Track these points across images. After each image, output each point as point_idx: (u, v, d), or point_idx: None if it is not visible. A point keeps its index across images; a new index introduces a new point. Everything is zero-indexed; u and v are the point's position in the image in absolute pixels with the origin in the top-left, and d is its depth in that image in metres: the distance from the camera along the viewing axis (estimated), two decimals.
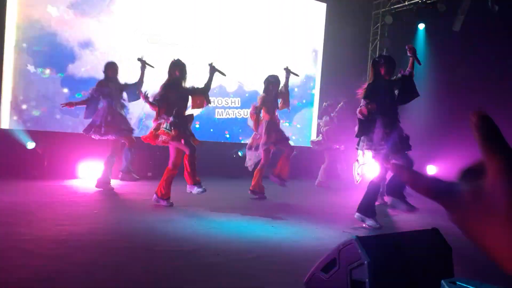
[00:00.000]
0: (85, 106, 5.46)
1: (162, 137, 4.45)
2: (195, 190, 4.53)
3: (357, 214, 4.22)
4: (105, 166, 5.49)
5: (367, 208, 4.15)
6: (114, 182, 5.64)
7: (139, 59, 5.54)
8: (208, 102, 4.88)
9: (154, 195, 4.66)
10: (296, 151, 8.37)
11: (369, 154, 4.18)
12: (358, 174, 4.41)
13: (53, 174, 6.45)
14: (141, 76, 5.55)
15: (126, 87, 5.56)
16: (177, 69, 4.61)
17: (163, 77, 4.74)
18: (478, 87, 8.40)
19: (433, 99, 8.72)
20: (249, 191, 5.68)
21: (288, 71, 5.81)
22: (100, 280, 2.38)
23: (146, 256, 2.85)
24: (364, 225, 4.18)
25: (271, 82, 5.60)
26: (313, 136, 9.09)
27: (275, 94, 5.63)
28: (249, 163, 5.73)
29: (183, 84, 4.66)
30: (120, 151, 5.66)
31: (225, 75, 4.98)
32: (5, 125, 6.57)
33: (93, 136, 5.39)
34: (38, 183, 5.83)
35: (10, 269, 2.46)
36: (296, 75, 6.01)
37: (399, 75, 4.24)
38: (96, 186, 5.42)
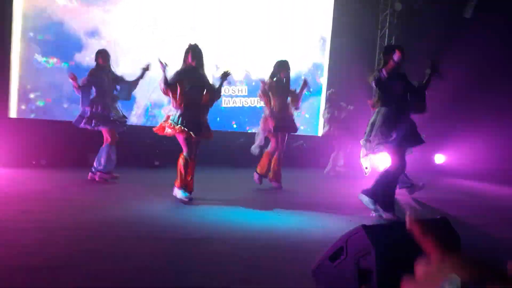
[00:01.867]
0: (80, 96, 5.26)
1: (168, 130, 4.27)
2: (180, 194, 4.30)
3: (363, 196, 4.11)
4: (103, 157, 5.31)
5: (383, 199, 4.03)
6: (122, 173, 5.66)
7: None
8: (211, 104, 4.52)
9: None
10: (304, 142, 8.38)
11: (378, 147, 4.09)
12: (366, 167, 4.34)
13: (61, 163, 6.51)
14: (139, 77, 5.39)
15: (121, 80, 5.39)
16: (191, 55, 4.28)
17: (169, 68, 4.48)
18: (488, 75, 8.26)
19: (442, 88, 8.59)
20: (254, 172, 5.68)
21: (305, 82, 5.70)
22: (109, 268, 2.41)
23: (153, 245, 2.87)
24: (372, 213, 4.15)
25: (279, 66, 5.53)
26: (321, 126, 9.05)
27: (286, 79, 5.55)
28: (255, 147, 5.71)
29: (199, 72, 4.35)
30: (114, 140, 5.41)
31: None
32: (13, 114, 6.62)
33: (83, 127, 5.24)
34: (46, 171, 5.88)
35: (22, 257, 2.49)
36: (309, 91, 5.88)
37: (416, 82, 4.14)
38: (98, 179, 5.31)
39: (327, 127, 7.60)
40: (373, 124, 4.06)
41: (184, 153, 4.37)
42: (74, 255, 2.56)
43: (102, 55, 5.32)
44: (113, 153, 5.36)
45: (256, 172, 5.65)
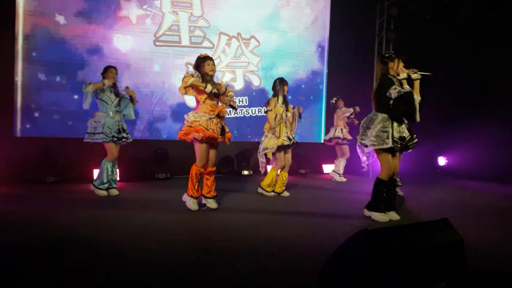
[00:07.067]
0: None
1: (195, 134, 4.28)
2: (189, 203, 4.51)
3: (367, 212, 4.27)
4: (100, 171, 5.41)
5: (377, 204, 4.17)
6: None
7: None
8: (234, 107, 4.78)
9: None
10: (305, 148, 8.42)
11: (371, 151, 4.20)
12: (364, 164, 4.50)
13: (67, 180, 6.57)
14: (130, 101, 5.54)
15: (122, 97, 5.47)
16: (208, 63, 4.40)
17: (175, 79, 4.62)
18: (487, 78, 8.30)
19: (443, 92, 8.65)
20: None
21: (299, 116, 5.95)
22: (117, 281, 2.45)
23: (161, 256, 2.91)
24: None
25: (280, 83, 5.73)
26: (322, 133, 9.10)
27: (283, 95, 5.75)
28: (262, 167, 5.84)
29: (213, 80, 4.50)
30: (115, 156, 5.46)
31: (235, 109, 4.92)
32: (19, 133, 6.71)
33: (85, 140, 5.30)
34: (52, 188, 5.93)
35: (32, 274, 2.53)
36: (300, 117, 5.97)
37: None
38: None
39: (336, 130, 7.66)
40: (365, 127, 4.12)
41: (197, 162, 4.43)
42: (83, 273, 2.59)
43: (109, 72, 5.36)
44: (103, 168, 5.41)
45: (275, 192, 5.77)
